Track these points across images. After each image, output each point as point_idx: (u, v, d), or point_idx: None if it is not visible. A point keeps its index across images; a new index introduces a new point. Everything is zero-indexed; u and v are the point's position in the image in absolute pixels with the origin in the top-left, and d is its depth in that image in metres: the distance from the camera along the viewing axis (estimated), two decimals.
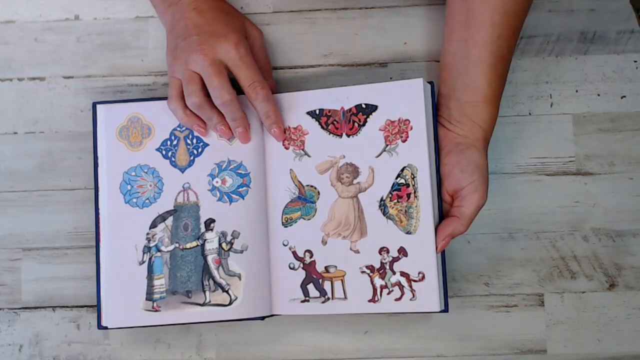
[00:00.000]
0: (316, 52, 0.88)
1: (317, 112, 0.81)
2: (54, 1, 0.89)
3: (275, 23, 0.88)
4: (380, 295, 0.77)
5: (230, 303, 0.80)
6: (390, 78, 0.86)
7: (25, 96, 0.88)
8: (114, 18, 0.89)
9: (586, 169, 0.85)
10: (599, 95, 0.86)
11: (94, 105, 0.83)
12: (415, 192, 0.77)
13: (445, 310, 0.78)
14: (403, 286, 0.77)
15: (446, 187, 0.79)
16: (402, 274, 0.77)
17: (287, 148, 0.81)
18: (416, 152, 0.78)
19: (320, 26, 0.88)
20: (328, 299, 0.79)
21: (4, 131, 0.88)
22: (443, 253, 0.79)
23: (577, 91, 0.86)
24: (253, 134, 0.81)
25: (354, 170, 0.79)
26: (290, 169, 0.81)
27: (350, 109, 0.80)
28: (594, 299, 0.84)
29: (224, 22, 0.79)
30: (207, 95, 0.78)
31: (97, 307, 0.80)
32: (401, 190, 0.78)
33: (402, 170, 0.78)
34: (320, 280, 0.79)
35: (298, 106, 0.81)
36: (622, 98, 0.86)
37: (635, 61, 0.86)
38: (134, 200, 0.81)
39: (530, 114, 0.86)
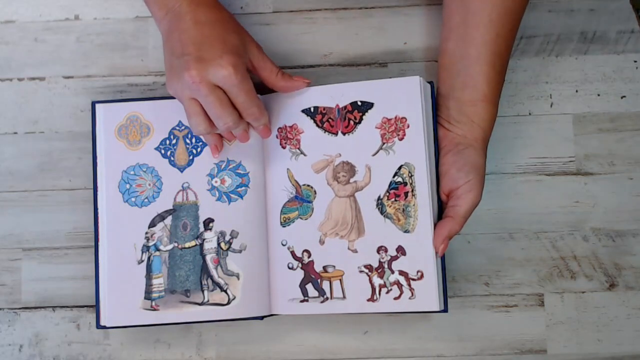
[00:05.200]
0: (316, 52, 0.88)
1: (312, 109, 0.80)
2: (54, 1, 0.89)
3: (275, 23, 0.88)
4: (379, 294, 0.77)
5: (228, 302, 0.80)
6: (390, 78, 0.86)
7: (25, 96, 0.88)
8: (114, 18, 0.89)
9: (586, 169, 0.85)
10: (599, 95, 0.86)
11: (93, 104, 0.83)
12: (412, 191, 0.77)
13: (445, 310, 0.78)
14: (402, 285, 0.77)
15: (442, 186, 0.78)
16: (401, 272, 0.77)
17: (283, 147, 0.81)
18: (413, 150, 0.77)
19: (320, 26, 0.88)
20: (327, 298, 0.79)
21: (4, 131, 0.88)
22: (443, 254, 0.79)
23: (577, 91, 0.86)
24: (252, 133, 0.81)
25: (351, 169, 0.79)
26: (287, 169, 0.81)
27: (345, 107, 0.79)
28: (594, 299, 0.84)
29: (221, 39, 0.75)
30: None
31: (96, 306, 0.80)
32: (399, 188, 0.77)
33: (399, 168, 0.77)
34: (319, 280, 0.79)
35: (293, 104, 0.81)
36: (622, 98, 0.86)
37: (635, 61, 0.86)
38: (133, 199, 0.81)
39: (530, 114, 0.86)
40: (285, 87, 0.80)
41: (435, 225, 0.78)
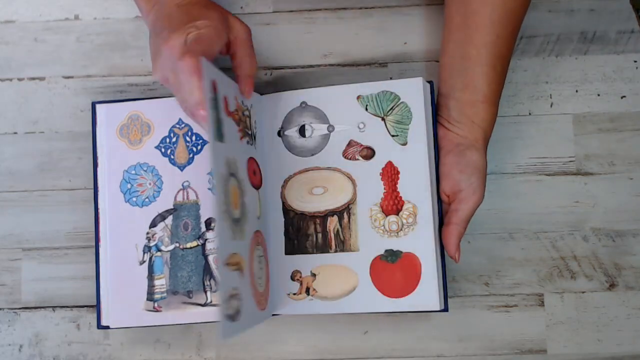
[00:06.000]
0: (316, 52, 0.88)
1: None
2: (54, 1, 0.89)
3: (275, 23, 0.88)
4: None
5: None
6: (390, 78, 0.86)
7: (25, 96, 0.88)
8: (114, 18, 0.89)
9: (586, 169, 0.85)
10: (599, 95, 0.86)
11: (93, 105, 0.83)
12: None
13: (445, 309, 0.78)
14: None
15: (443, 187, 0.79)
16: None
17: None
18: None
19: (320, 26, 0.88)
20: None
21: (4, 131, 0.88)
22: (443, 253, 0.79)
23: (577, 91, 0.86)
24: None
25: None
26: None
27: None
28: (594, 299, 0.84)
29: (198, 13, 0.74)
30: None
31: (97, 306, 0.80)
32: None
33: None
34: None
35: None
36: (622, 98, 0.86)
37: (635, 61, 0.86)
38: (134, 199, 0.81)
39: (530, 114, 0.86)
40: (243, 90, 0.78)
41: (442, 234, 0.78)
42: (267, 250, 0.80)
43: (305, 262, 0.80)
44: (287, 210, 0.81)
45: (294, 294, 0.80)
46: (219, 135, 0.70)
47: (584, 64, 0.86)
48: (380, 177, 0.79)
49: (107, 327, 0.80)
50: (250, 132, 0.79)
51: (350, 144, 0.80)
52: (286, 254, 0.81)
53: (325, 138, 0.81)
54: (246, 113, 0.79)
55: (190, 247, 0.81)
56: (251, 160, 0.78)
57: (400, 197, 0.78)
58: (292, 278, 0.80)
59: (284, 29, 0.88)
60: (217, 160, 0.68)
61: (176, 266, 0.80)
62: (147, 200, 0.81)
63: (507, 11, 0.77)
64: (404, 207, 0.78)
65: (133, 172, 0.81)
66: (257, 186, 0.79)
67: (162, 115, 0.82)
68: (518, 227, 0.85)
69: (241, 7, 0.88)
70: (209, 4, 0.77)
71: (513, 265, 0.85)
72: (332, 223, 0.80)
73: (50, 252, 0.86)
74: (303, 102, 0.81)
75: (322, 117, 0.81)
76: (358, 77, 0.87)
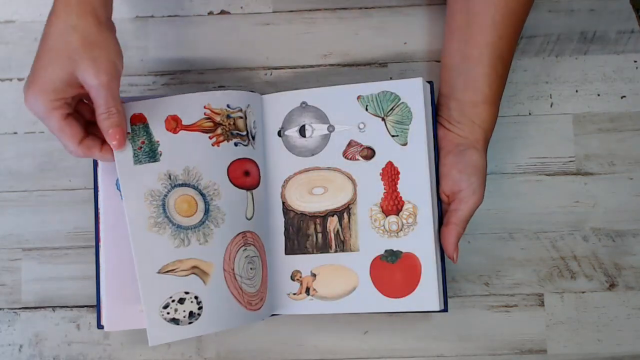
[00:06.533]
0: (316, 52, 0.88)
1: None
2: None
3: (275, 23, 0.88)
4: None
5: None
6: (390, 78, 0.86)
7: None
8: (114, 18, 0.88)
9: (586, 169, 0.85)
10: (599, 95, 0.86)
11: None
12: None
13: (445, 310, 0.78)
14: None
15: (443, 187, 0.79)
16: None
17: None
18: None
19: (320, 26, 0.88)
20: None
21: (4, 131, 0.88)
22: (442, 253, 0.79)
23: (577, 91, 0.86)
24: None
25: None
26: None
27: None
28: (594, 299, 0.84)
29: (44, 62, 0.71)
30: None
31: (97, 307, 0.80)
32: None
33: None
34: None
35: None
36: (622, 98, 0.86)
37: (635, 61, 0.86)
38: None
39: (530, 114, 0.86)
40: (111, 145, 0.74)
41: (441, 233, 0.78)
42: (267, 250, 0.80)
43: (305, 262, 0.80)
44: (287, 210, 0.81)
45: (294, 294, 0.80)
46: (152, 156, 0.76)
47: (584, 64, 0.86)
48: (381, 177, 0.79)
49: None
50: (243, 133, 0.79)
51: (350, 144, 0.80)
52: (286, 254, 0.81)
53: (326, 138, 0.81)
54: (235, 115, 0.78)
55: None
56: (241, 161, 0.78)
57: (400, 198, 0.78)
58: (292, 278, 0.80)
59: (283, 29, 0.88)
60: (129, 182, 0.75)
61: None
62: None
63: (510, 12, 0.77)
64: (404, 207, 0.78)
65: None
66: (249, 186, 0.79)
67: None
68: (518, 227, 0.85)
69: (241, 7, 0.88)
70: (65, 50, 0.71)
71: (513, 265, 0.85)
72: (332, 223, 0.80)
73: (50, 252, 0.86)
74: (303, 102, 0.81)
75: (322, 117, 0.81)
76: (358, 77, 0.87)
